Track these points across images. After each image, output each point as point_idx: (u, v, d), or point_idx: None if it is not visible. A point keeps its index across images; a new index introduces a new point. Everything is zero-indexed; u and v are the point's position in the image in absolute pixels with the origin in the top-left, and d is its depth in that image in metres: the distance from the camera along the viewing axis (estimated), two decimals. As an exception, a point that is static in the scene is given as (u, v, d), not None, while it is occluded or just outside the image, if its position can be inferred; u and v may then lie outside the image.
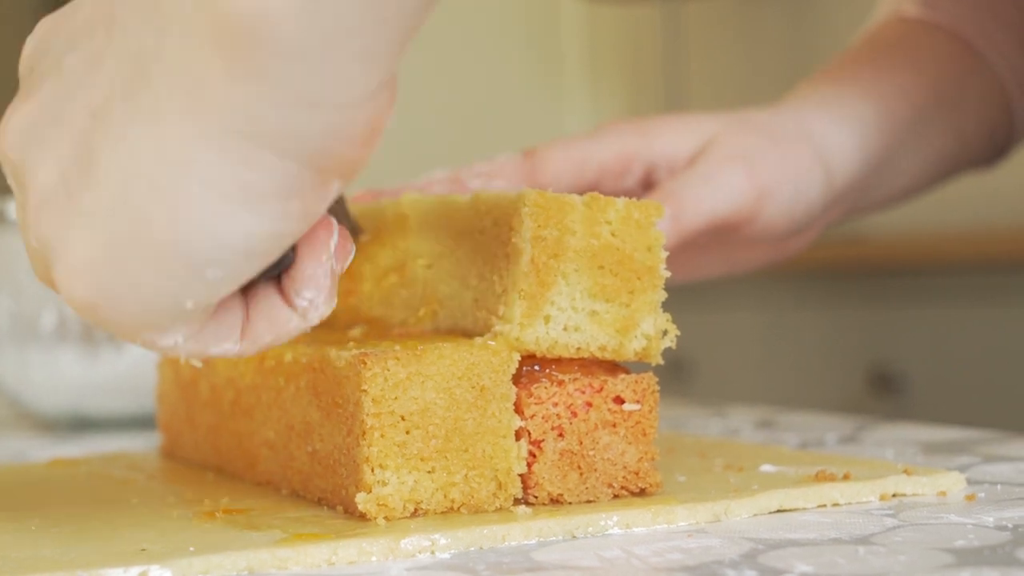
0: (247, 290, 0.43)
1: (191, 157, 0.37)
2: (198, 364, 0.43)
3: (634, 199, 0.50)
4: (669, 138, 0.68)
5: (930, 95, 0.76)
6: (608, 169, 0.67)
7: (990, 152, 0.81)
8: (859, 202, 0.75)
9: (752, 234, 0.68)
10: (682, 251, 0.68)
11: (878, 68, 0.75)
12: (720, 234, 0.67)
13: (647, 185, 0.68)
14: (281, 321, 0.42)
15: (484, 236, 0.51)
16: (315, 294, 0.42)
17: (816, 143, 0.70)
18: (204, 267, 0.38)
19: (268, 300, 0.42)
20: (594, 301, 0.49)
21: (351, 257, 0.44)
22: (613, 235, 0.49)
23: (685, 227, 0.64)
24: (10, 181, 0.42)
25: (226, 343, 0.42)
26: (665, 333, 0.50)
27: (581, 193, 0.62)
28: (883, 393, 1.98)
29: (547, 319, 0.49)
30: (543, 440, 0.48)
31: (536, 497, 0.49)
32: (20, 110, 0.40)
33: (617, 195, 0.67)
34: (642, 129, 0.68)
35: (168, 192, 0.37)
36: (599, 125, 0.69)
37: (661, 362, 0.50)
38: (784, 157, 0.68)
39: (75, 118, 0.39)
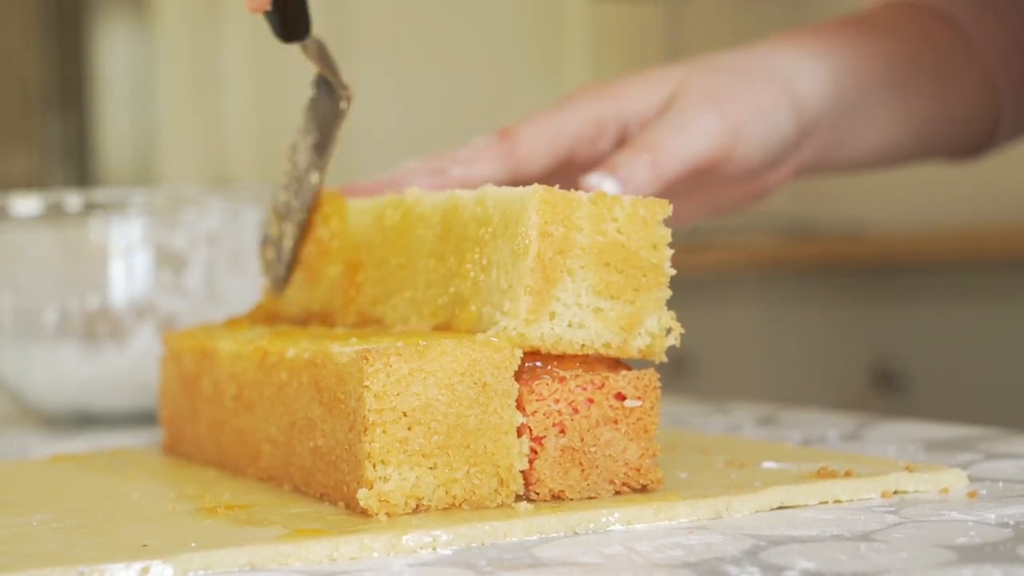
0: None
1: None
2: None
3: (640, 197, 0.50)
4: (637, 93, 0.69)
5: (910, 58, 0.76)
6: (582, 135, 0.68)
7: (975, 139, 0.81)
8: (834, 148, 0.75)
9: (730, 173, 0.69)
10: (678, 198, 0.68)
11: (859, 28, 0.77)
12: (699, 177, 0.68)
13: (621, 145, 0.69)
14: None
15: (490, 232, 0.51)
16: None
17: (782, 77, 0.71)
18: None
19: None
20: (599, 298, 0.49)
21: None
22: (619, 232, 0.49)
23: (665, 174, 0.65)
24: None
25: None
26: (669, 331, 0.50)
27: (558, 163, 0.64)
28: (885, 390, 1.98)
29: (552, 315, 0.49)
30: (545, 436, 0.48)
31: (538, 493, 0.49)
32: None
33: (593, 159, 0.68)
34: (609, 91, 0.69)
35: None
36: (566, 95, 0.70)
37: (665, 360, 0.50)
38: (751, 91, 0.69)
39: None
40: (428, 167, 0.66)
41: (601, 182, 0.63)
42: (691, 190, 0.71)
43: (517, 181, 0.65)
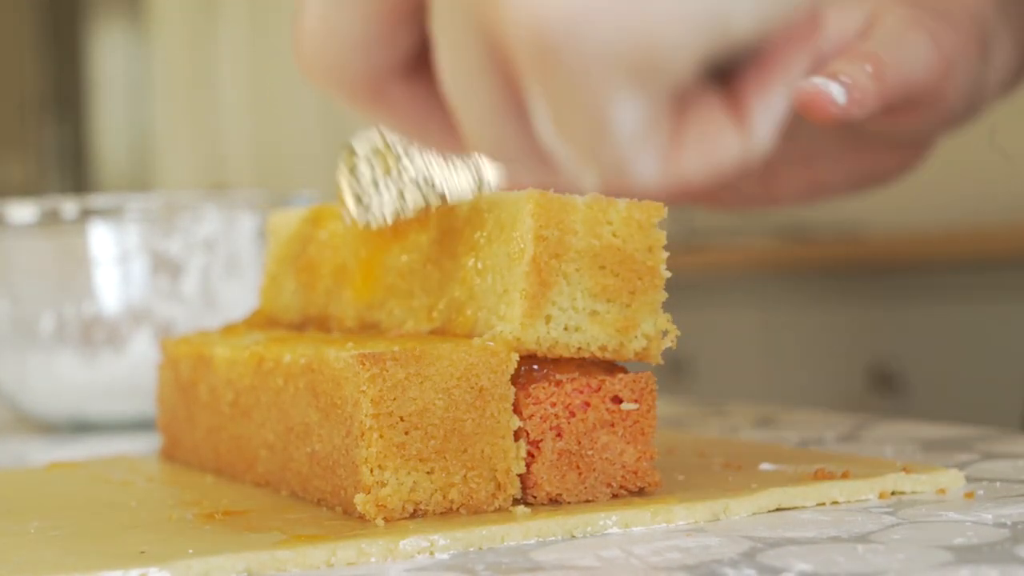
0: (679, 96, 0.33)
1: None
2: (590, 184, 0.34)
3: (635, 200, 0.49)
4: (833, 17, 0.61)
5: None
6: None
7: None
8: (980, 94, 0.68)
9: (932, 117, 0.62)
10: (829, 158, 0.62)
11: None
12: (905, 112, 0.61)
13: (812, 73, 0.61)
14: (719, 142, 0.32)
15: (486, 236, 0.51)
16: (776, 102, 0.32)
17: (978, 22, 0.64)
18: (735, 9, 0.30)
19: (708, 112, 0.32)
20: (595, 301, 0.49)
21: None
22: (615, 235, 0.49)
23: (888, 87, 0.58)
24: None
25: (648, 161, 0.32)
26: (665, 333, 0.50)
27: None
28: (883, 391, 1.98)
29: (548, 319, 0.49)
30: (542, 440, 0.48)
31: (535, 497, 0.49)
32: None
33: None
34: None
35: None
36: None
37: (661, 363, 0.50)
38: (957, 31, 0.62)
39: None
40: None
41: (826, 86, 0.56)
42: (847, 149, 0.64)
43: None
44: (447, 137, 0.36)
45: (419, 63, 0.35)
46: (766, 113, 0.32)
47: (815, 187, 0.65)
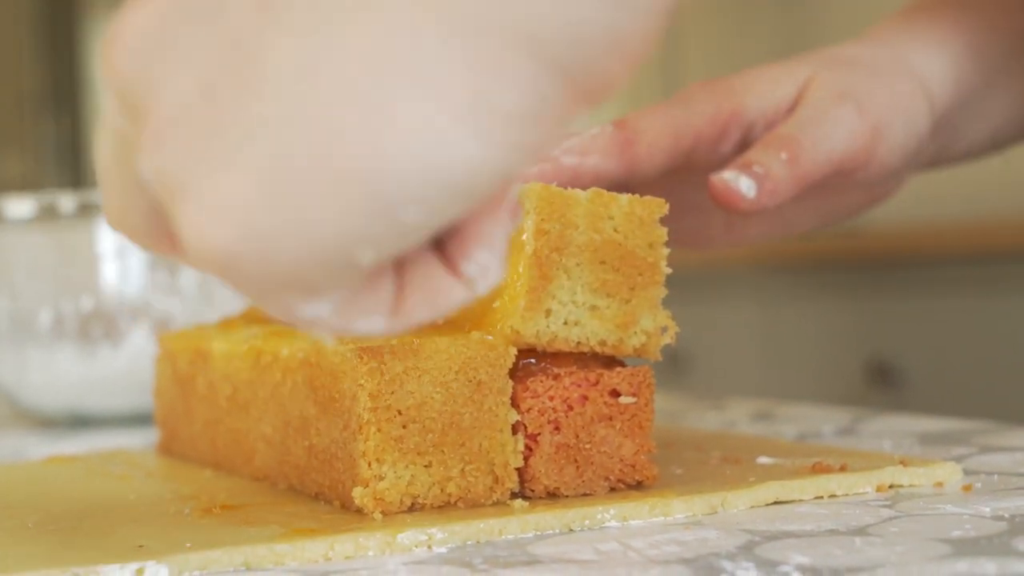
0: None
1: (414, 54, 0.28)
2: (330, 342, 0.36)
3: (637, 196, 0.49)
4: (762, 90, 0.62)
5: (1018, 34, 0.70)
6: (704, 136, 0.61)
7: None
8: (951, 142, 0.69)
9: (865, 178, 0.63)
10: (793, 202, 0.62)
11: (963, 9, 0.70)
12: (833, 181, 0.62)
13: (744, 148, 0.62)
14: (442, 292, 0.33)
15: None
16: (488, 257, 0.33)
17: (915, 72, 0.65)
18: (401, 205, 0.29)
19: (426, 266, 0.33)
20: (595, 296, 0.49)
21: (521, 216, 0.35)
22: (616, 231, 0.49)
23: (805, 172, 0.59)
24: (114, 111, 0.33)
25: (374, 317, 0.33)
26: (665, 330, 0.50)
27: (676, 164, 0.59)
28: (880, 385, 1.99)
29: (548, 313, 0.49)
30: (539, 434, 0.49)
31: (533, 491, 0.49)
32: (141, 12, 0.31)
33: (712, 163, 0.61)
34: (732, 88, 0.62)
35: (373, 100, 0.28)
36: (686, 89, 0.63)
37: (660, 359, 0.50)
38: (889, 89, 0.63)
39: (229, 13, 0.30)
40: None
41: (736, 180, 0.57)
42: (807, 196, 0.64)
43: (632, 178, 0.59)
44: None
45: None
46: (478, 270, 0.33)
47: (782, 228, 0.66)
